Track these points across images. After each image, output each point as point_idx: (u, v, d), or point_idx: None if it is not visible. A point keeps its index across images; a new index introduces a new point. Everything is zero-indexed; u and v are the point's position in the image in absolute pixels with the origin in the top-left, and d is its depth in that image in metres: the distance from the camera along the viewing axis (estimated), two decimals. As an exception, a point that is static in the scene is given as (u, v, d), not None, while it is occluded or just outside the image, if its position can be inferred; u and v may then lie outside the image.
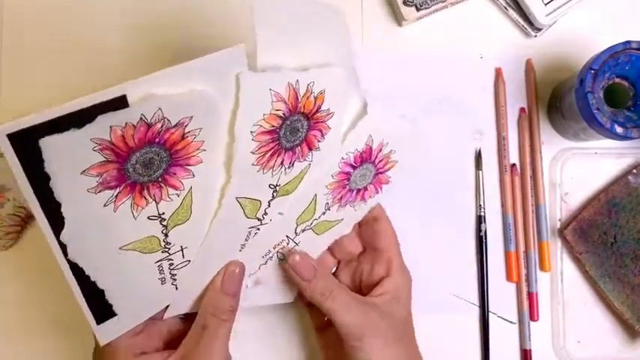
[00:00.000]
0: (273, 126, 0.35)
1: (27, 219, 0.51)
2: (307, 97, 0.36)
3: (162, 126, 0.31)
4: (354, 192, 0.43)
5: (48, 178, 0.29)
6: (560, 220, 0.51)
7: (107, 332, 0.36)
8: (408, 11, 0.50)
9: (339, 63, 0.37)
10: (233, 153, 0.34)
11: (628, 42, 0.44)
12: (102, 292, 0.35)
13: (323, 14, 0.37)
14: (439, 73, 0.52)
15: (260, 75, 0.33)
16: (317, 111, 0.37)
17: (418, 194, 0.51)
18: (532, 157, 0.51)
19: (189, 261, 0.38)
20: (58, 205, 0.30)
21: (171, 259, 0.37)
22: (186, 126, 0.32)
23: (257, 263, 0.43)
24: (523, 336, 0.50)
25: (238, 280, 0.40)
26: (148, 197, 0.33)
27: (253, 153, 0.35)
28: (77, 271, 0.33)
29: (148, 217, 0.34)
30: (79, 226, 0.32)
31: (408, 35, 0.53)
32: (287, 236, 0.42)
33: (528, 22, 0.52)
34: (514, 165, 0.51)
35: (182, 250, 0.37)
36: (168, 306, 0.40)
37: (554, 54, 0.52)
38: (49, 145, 0.28)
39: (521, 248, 0.51)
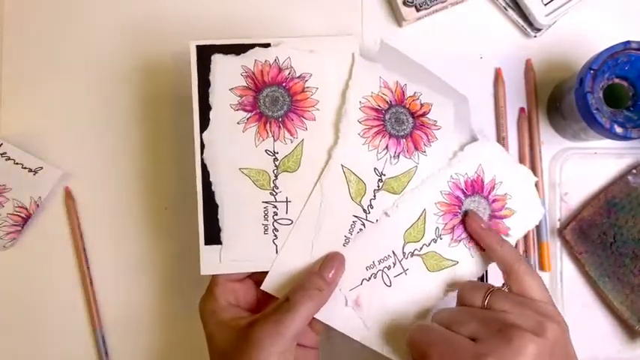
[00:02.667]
0: (379, 106, 0.43)
1: (27, 219, 0.51)
2: (413, 99, 0.43)
3: (289, 73, 0.42)
4: None
5: (209, 84, 0.42)
6: (559, 220, 0.51)
7: (209, 261, 0.42)
8: (407, 12, 0.50)
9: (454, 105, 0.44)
10: (342, 113, 0.42)
11: (628, 42, 0.44)
12: (216, 207, 0.42)
13: (446, 88, 0.45)
14: (439, 74, 0.52)
15: (373, 64, 0.43)
16: (422, 115, 0.43)
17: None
18: (532, 157, 0.51)
19: (292, 221, 0.42)
20: (209, 107, 0.42)
21: (276, 207, 0.42)
22: (306, 81, 0.43)
23: (360, 275, 0.42)
24: (523, 336, 0.50)
25: (336, 268, 0.41)
26: (268, 131, 0.42)
27: (360, 122, 0.42)
28: (205, 174, 0.42)
29: (265, 150, 0.42)
30: (217, 132, 0.42)
31: (407, 35, 0.53)
32: (393, 252, 0.42)
33: (528, 22, 0.52)
34: (514, 165, 0.51)
35: (287, 202, 0.42)
36: (266, 275, 0.42)
37: (553, 54, 0.52)
38: (216, 60, 0.42)
39: (521, 248, 0.51)
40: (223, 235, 0.42)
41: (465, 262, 0.43)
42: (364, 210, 0.42)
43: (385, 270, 0.42)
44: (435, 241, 0.43)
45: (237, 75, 0.42)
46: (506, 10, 0.52)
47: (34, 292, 0.52)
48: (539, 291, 0.38)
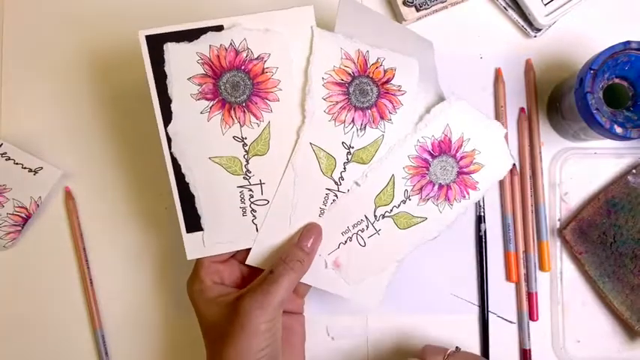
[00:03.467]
0: (342, 80, 0.42)
1: (27, 219, 0.51)
2: (377, 67, 0.42)
3: (246, 55, 0.41)
4: (436, 186, 0.44)
5: (165, 76, 0.41)
6: (559, 220, 0.51)
7: (193, 246, 0.43)
8: (407, 11, 0.50)
9: (419, 62, 0.43)
10: (306, 92, 0.42)
11: (628, 42, 0.44)
12: (192, 197, 0.42)
13: (410, 37, 0.43)
14: (439, 74, 0.52)
15: (333, 34, 0.42)
16: (387, 82, 0.43)
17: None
18: (532, 158, 0.51)
19: (268, 201, 0.43)
20: (170, 100, 0.41)
21: (251, 190, 0.43)
22: (265, 61, 0.41)
23: (336, 240, 0.44)
24: (522, 336, 0.50)
25: (314, 238, 0.43)
26: (234, 117, 0.42)
27: (324, 99, 0.42)
28: (176, 167, 0.42)
29: (233, 137, 0.42)
30: (181, 124, 0.41)
31: (407, 35, 0.53)
32: (366, 217, 0.44)
33: (528, 22, 0.52)
34: (514, 165, 0.51)
35: (261, 185, 0.43)
36: (249, 251, 0.44)
37: (553, 54, 0.52)
38: (169, 49, 0.40)
39: (521, 248, 0.51)
40: (204, 222, 0.42)
41: (434, 218, 0.45)
42: (336, 182, 0.43)
43: (359, 232, 0.44)
44: (404, 202, 0.44)
45: (194, 63, 0.41)
46: (506, 10, 0.52)
47: (34, 292, 0.52)
48: None
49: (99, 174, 0.52)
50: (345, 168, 0.43)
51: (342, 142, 0.43)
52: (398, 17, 0.52)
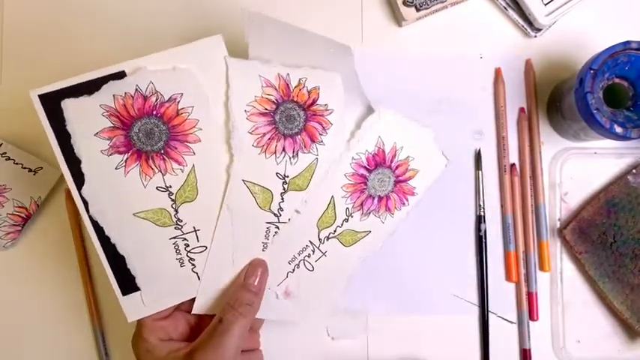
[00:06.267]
0: (266, 109, 0.40)
1: (27, 219, 0.51)
2: (300, 89, 0.40)
3: (156, 99, 0.37)
4: (376, 199, 0.44)
5: (69, 135, 0.37)
6: (559, 220, 0.51)
7: (133, 308, 0.39)
8: (407, 12, 0.50)
9: (339, 71, 0.41)
10: (230, 130, 0.39)
11: (627, 42, 0.44)
12: (123, 258, 0.39)
13: (327, 45, 0.41)
14: (439, 74, 0.52)
15: (248, 62, 0.39)
16: (313, 103, 0.41)
17: (418, 194, 0.52)
18: (532, 157, 0.51)
19: (206, 247, 0.40)
20: (79, 161, 0.37)
21: (186, 239, 0.40)
22: (178, 102, 0.38)
23: (284, 270, 0.44)
24: (523, 336, 0.50)
25: (260, 274, 0.41)
26: (153, 167, 0.38)
27: (251, 133, 0.39)
28: (99, 230, 0.38)
29: (157, 188, 0.38)
30: (96, 184, 0.37)
31: (407, 35, 0.53)
32: (310, 242, 0.43)
33: (528, 22, 0.52)
34: (514, 165, 0.52)
35: (195, 232, 0.40)
36: (194, 300, 0.41)
37: (553, 54, 0.52)
38: (68, 106, 0.36)
39: (521, 248, 0.51)
40: (139, 281, 0.39)
41: (377, 229, 0.45)
42: (275, 214, 0.42)
43: (306, 258, 0.44)
44: (346, 220, 0.44)
45: (99, 116, 0.37)
46: (506, 10, 0.52)
47: (35, 292, 0.52)
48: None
49: (99, 174, 0.52)
50: (282, 198, 0.42)
51: (277, 173, 0.41)
52: (398, 17, 0.52)
